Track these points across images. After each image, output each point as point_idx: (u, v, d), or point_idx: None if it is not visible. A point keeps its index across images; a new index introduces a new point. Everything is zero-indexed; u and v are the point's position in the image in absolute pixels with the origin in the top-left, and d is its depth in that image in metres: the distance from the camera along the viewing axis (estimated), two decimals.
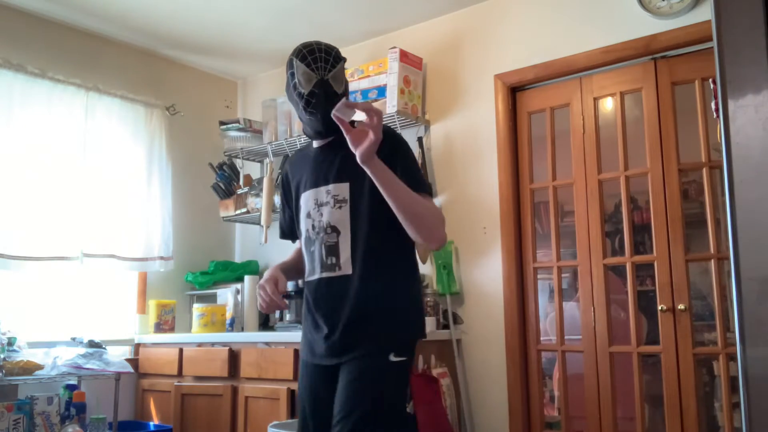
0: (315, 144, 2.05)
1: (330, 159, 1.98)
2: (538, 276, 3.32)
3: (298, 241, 2.12)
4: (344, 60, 1.98)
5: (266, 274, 1.97)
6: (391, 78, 3.51)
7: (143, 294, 3.99)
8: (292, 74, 1.95)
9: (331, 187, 1.95)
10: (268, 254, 4.21)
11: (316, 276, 1.95)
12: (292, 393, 3.06)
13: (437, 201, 3.56)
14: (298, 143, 3.86)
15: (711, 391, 3.24)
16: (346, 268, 1.90)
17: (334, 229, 1.93)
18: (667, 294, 2.90)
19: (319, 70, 1.92)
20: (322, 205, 1.95)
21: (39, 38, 3.60)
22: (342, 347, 1.89)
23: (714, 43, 0.93)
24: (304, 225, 2.00)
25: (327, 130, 1.93)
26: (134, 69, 4.03)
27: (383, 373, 1.85)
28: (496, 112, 3.41)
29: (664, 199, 2.95)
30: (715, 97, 0.98)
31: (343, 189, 1.93)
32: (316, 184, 1.98)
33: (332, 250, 1.92)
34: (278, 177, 1.98)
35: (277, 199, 3.87)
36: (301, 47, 1.97)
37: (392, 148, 1.90)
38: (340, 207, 1.92)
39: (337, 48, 1.99)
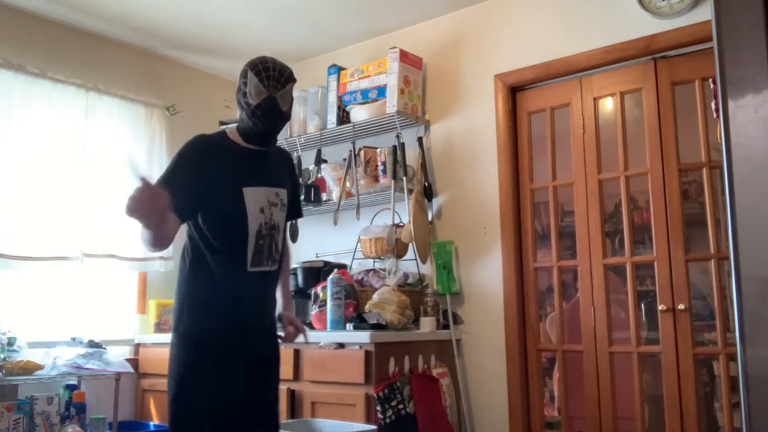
0: (240, 142, 2.16)
1: (266, 164, 2.19)
2: (538, 276, 3.32)
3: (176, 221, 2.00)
4: (295, 81, 2.18)
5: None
6: (391, 78, 3.51)
7: (143, 294, 3.99)
8: (245, 83, 2.11)
9: (279, 190, 2.18)
10: None
11: (263, 268, 2.13)
12: (292, 393, 3.07)
13: (437, 201, 3.57)
14: (297, 143, 3.86)
15: (711, 391, 3.24)
16: (276, 264, 2.19)
17: (278, 229, 2.18)
18: (667, 294, 2.90)
19: (269, 87, 2.07)
20: (273, 205, 2.15)
21: (39, 38, 3.60)
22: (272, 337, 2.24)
23: (714, 43, 0.93)
24: (254, 218, 2.10)
25: (263, 141, 2.16)
26: (134, 69, 4.03)
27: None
28: (496, 112, 3.41)
29: (664, 199, 2.95)
30: (715, 97, 0.98)
31: (285, 195, 2.21)
32: (265, 183, 2.15)
33: (276, 247, 2.17)
34: (187, 153, 2.08)
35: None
36: (257, 61, 2.13)
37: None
38: (282, 210, 2.19)
39: (290, 69, 2.17)
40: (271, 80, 2.08)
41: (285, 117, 2.14)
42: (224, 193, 2.07)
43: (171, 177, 2.04)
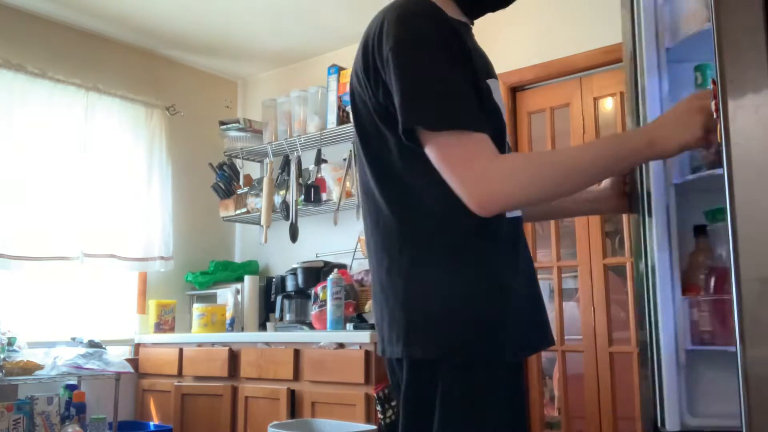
0: (457, 17, 1.39)
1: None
2: (538, 276, 3.32)
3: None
4: None
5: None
6: None
7: (143, 294, 3.99)
8: None
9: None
10: (268, 254, 4.21)
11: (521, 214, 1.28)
12: (292, 393, 3.06)
13: None
14: (297, 143, 3.84)
15: None
16: None
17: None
18: None
19: None
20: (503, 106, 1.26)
21: (39, 38, 3.60)
22: None
23: (714, 43, 0.93)
24: (504, 129, 1.23)
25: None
26: (134, 69, 4.03)
27: None
28: None
29: None
30: (715, 97, 0.98)
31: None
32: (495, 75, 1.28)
33: None
34: (440, 33, 1.21)
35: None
36: None
37: None
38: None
39: None
40: None
41: None
42: (481, 97, 1.18)
43: (446, 77, 1.13)
